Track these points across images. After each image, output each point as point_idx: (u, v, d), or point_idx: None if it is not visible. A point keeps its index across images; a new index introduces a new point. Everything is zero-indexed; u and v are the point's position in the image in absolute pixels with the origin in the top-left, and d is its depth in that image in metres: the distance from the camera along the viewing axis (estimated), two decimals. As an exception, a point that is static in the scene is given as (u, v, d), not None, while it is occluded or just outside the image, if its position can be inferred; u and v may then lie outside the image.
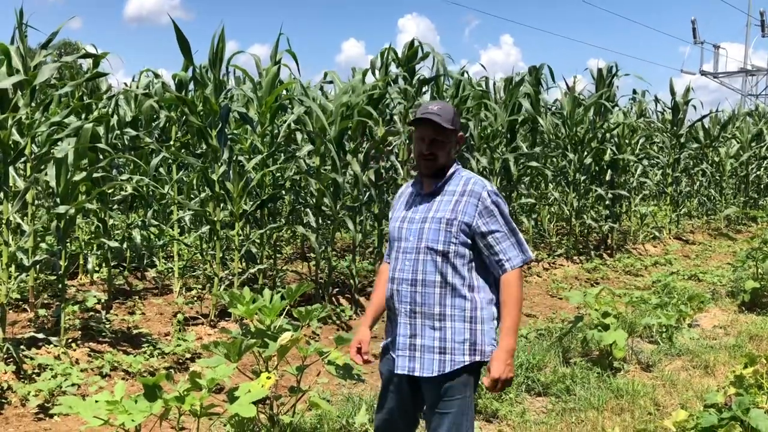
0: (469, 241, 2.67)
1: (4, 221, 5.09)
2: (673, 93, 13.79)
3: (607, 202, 11.83)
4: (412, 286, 2.68)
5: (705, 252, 12.93)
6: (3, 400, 4.40)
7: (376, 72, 8.67)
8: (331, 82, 8.51)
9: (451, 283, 2.65)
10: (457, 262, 2.65)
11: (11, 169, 5.34)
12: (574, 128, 11.05)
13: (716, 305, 7.90)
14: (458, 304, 2.65)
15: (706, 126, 15.65)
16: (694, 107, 14.20)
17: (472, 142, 9.22)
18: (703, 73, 39.30)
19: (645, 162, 13.77)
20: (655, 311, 6.63)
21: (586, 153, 11.22)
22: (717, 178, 16.24)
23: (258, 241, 7.17)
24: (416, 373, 2.70)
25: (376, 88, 7.88)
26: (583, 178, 11.35)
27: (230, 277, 6.74)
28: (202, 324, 6.32)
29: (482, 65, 30.01)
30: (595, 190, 11.45)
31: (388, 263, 2.89)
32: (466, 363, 2.65)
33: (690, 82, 14.27)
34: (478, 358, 2.67)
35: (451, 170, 2.77)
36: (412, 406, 2.86)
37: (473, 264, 2.69)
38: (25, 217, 6.30)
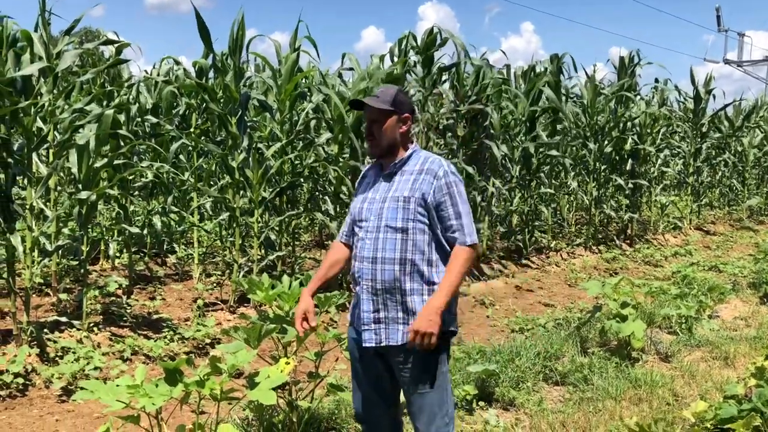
0: (427, 216, 2.72)
1: (27, 207, 5.16)
2: (694, 82, 13.62)
3: (627, 192, 11.73)
4: (373, 263, 2.72)
5: (726, 243, 12.80)
6: (27, 382, 4.49)
7: (395, 59, 8.63)
8: (350, 69, 8.49)
9: (411, 259, 2.69)
10: (417, 237, 2.70)
11: (34, 156, 5.40)
12: (595, 117, 10.96)
13: (737, 296, 7.82)
14: (417, 279, 2.70)
15: (729, 115, 15.44)
16: (714, 97, 13.99)
17: (492, 131, 9.17)
18: (727, 62, 38.62)
19: (666, 152, 13.63)
20: (675, 302, 6.58)
21: (606, 142, 11.12)
22: (739, 168, 16.02)
23: (277, 228, 7.21)
24: (383, 343, 2.73)
25: (393, 71, 7.80)
26: (603, 167, 11.26)
27: (249, 264, 6.79)
28: (222, 310, 6.38)
29: (503, 51, 29.54)
30: (615, 180, 11.36)
31: (341, 242, 2.99)
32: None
33: (711, 71, 14.03)
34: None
35: (409, 151, 2.83)
36: (388, 383, 2.86)
37: (433, 239, 2.74)
38: (47, 203, 6.38)
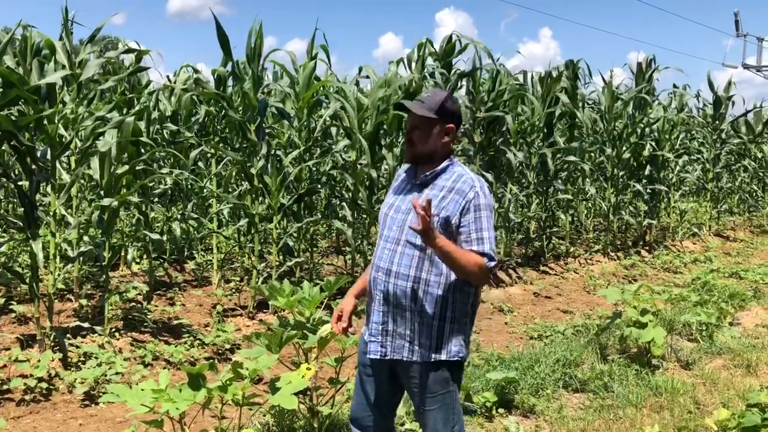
0: (450, 237, 2.60)
1: (51, 213, 5.23)
2: (712, 87, 13.52)
3: (645, 198, 11.66)
4: (387, 276, 2.66)
5: (747, 249, 12.67)
6: (51, 387, 4.53)
7: (413, 65, 8.64)
8: (367, 77, 8.53)
9: (426, 278, 2.61)
10: (435, 257, 2.59)
11: (57, 163, 5.47)
12: (613, 123, 10.91)
13: (758, 303, 7.73)
14: (429, 300, 2.61)
15: (749, 121, 15.31)
16: (733, 103, 13.91)
17: (508, 137, 9.16)
18: (746, 67, 38.16)
19: (685, 157, 13.54)
20: (695, 309, 6.53)
21: (624, 148, 11.06)
22: (760, 174, 15.87)
23: (295, 234, 7.25)
24: (388, 357, 2.69)
25: (412, 82, 7.85)
26: (621, 173, 11.20)
27: (268, 270, 6.82)
28: (241, 315, 6.41)
29: (519, 52, 29.17)
30: (634, 186, 11.29)
31: None
32: (432, 360, 2.64)
33: (732, 76, 13.94)
34: (443, 357, 2.64)
35: (444, 164, 2.70)
36: (389, 392, 2.83)
37: None
38: (69, 210, 6.45)
